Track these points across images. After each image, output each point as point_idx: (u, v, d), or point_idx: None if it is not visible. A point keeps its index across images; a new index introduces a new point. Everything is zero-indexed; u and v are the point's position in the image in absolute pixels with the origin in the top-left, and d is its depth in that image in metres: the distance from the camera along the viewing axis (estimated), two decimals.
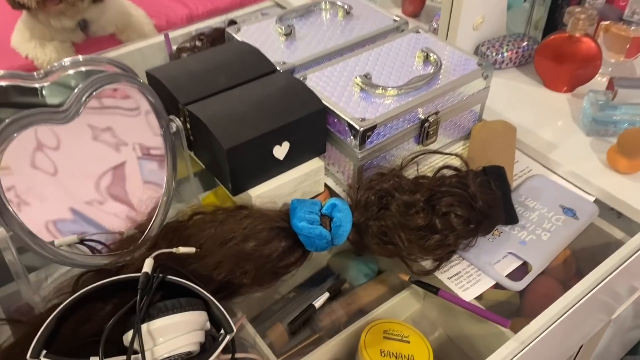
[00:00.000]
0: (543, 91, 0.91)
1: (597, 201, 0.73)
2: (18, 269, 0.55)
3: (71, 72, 0.61)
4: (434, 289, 0.63)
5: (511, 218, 0.68)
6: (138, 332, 0.49)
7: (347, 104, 0.69)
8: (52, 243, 0.57)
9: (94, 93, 0.56)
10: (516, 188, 0.74)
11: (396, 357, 0.61)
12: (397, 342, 0.63)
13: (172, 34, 1.02)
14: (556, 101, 0.89)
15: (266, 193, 0.67)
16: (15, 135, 0.52)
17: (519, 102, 0.89)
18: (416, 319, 0.70)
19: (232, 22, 1.05)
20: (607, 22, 0.89)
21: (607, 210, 0.73)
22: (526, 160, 0.80)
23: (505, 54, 0.94)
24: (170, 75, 0.71)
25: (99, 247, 0.62)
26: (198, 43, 0.96)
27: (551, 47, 0.87)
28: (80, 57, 0.61)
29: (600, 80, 0.92)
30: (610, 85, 0.79)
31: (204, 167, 0.72)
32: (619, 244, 0.69)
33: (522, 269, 0.66)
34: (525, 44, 0.95)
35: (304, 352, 0.67)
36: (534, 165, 0.79)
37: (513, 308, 0.70)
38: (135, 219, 0.65)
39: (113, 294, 0.55)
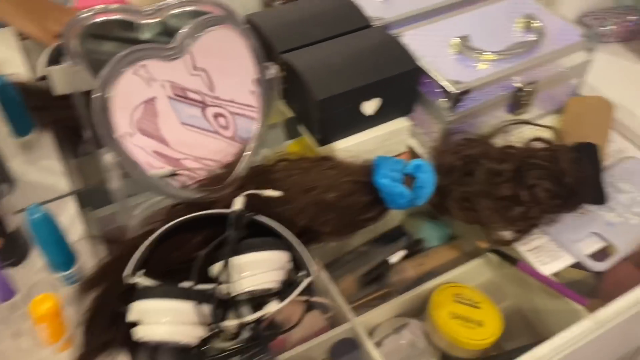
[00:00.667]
0: None
1: None
2: (119, 193, 0.59)
3: (176, 11, 0.63)
4: (512, 260, 0.63)
5: (599, 198, 0.66)
6: (226, 264, 0.52)
7: (442, 65, 0.68)
8: (150, 173, 0.61)
9: (201, 33, 0.57)
10: (608, 169, 0.72)
11: (465, 320, 0.62)
12: (467, 307, 0.64)
13: None
14: None
15: (350, 147, 0.68)
16: (127, 68, 0.54)
17: (620, 79, 0.84)
18: (487, 287, 0.70)
19: None
20: None
21: None
22: (621, 141, 0.76)
23: (611, 27, 0.89)
24: (268, 22, 0.72)
25: (189, 182, 0.65)
26: None
27: None
28: None
29: None
30: None
31: (291, 116, 0.74)
32: None
33: (604, 251, 0.64)
34: (634, 18, 0.89)
35: (370, 304, 0.69)
36: (629, 147, 0.75)
37: (587, 289, 0.69)
38: (225, 159, 0.67)
39: (202, 227, 0.59)
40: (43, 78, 0.80)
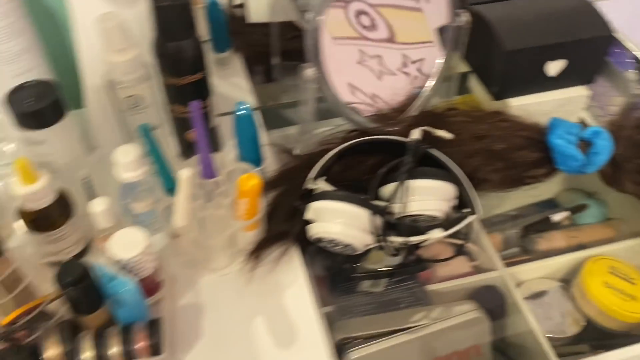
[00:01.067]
0: None
1: None
2: (308, 112, 0.64)
3: None
4: None
5: None
6: (401, 185, 0.56)
7: (638, 37, 0.66)
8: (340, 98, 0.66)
9: None
10: None
11: (619, 292, 0.61)
12: (622, 280, 0.63)
13: None
14: None
15: (525, 106, 0.69)
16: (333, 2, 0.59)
17: None
18: None
19: None
20: None
21: None
22: None
23: None
24: None
25: (368, 113, 0.70)
26: None
27: None
28: None
29: None
30: None
31: (464, 71, 0.75)
32: None
33: None
34: None
35: (511, 264, 0.70)
36: None
37: None
38: (403, 97, 0.70)
39: (375, 152, 0.63)
40: (239, 5, 0.88)
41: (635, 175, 0.62)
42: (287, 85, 0.81)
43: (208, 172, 0.56)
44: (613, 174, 0.64)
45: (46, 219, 0.52)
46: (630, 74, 0.66)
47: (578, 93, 0.70)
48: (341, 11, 0.62)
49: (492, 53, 0.67)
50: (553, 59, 0.66)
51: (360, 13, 0.63)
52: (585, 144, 0.63)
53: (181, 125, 0.63)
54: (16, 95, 0.52)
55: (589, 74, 0.70)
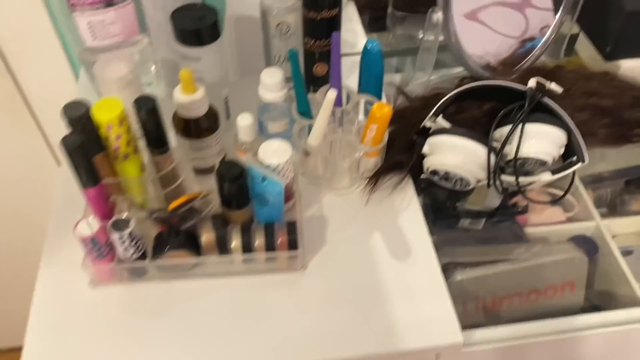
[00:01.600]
0: None
1: None
2: (430, 55, 0.69)
3: None
4: None
5: None
6: (520, 127, 0.60)
7: None
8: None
9: None
10: None
11: None
12: None
13: None
14: None
15: (637, 67, 0.71)
16: None
17: None
18: None
19: None
20: None
21: None
22: None
23: None
24: None
25: (485, 62, 0.73)
26: None
27: None
28: None
29: None
30: None
31: (574, 33, 0.77)
32: None
33: None
34: None
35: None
36: None
37: None
38: (515, 53, 0.74)
39: (488, 99, 0.66)
40: None
41: None
42: (399, 35, 0.85)
43: (339, 100, 0.61)
44: None
45: (198, 127, 0.58)
46: None
47: None
48: None
49: (611, 13, 0.68)
50: None
51: None
52: None
53: (311, 59, 0.68)
54: (180, 15, 0.59)
55: None
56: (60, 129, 0.49)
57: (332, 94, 0.54)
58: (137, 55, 0.62)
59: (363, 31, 0.82)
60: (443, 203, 0.69)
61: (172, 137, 0.57)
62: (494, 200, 0.70)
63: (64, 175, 0.59)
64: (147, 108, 0.50)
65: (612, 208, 0.77)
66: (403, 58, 0.85)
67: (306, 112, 0.62)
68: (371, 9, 0.87)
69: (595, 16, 0.72)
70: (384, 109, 0.56)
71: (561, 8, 0.72)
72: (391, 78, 0.81)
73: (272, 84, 0.58)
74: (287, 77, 0.59)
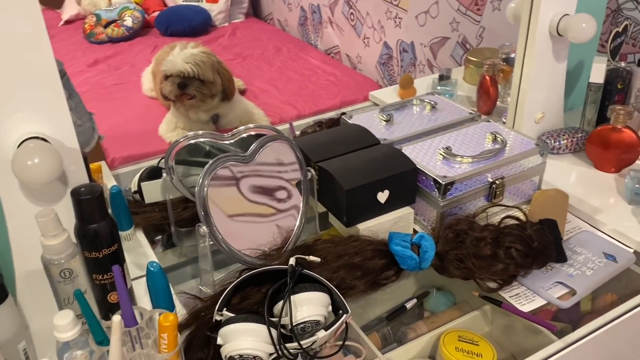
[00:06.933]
0: (594, 171, 1.12)
1: (635, 253, 0.91)
2: (207, 261, 0.81)
3: (245, 135, 0.91)
4: (497, 302, 0.83)
5: (561, 257, 0.87)
6: (289, 300, 0.73)
7: (433, 166, 0.94)
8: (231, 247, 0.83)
9: (265, 146, 0.84)
10: (567, 239, 0.94)
11: (468, 353, 0.80)
12: (468, 344, 0.82)
13: (295, 123, 1.32)
14: (605, 179, 1.09)
15: (370, 228, 0.91)
16: (217, 170, 0.80)
17: (574, 179, 1.10)
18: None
19: (344, 114, 1.34)
20: None
21: None
22: (577, 221, 0.99)
23: (563, 142, 1.16)
24: (304, 143, 0.99)
25: (255, 255, 0.88)
26: (317, 128, 1.26)
27: (599, 136, 1.09)
28: (252, 125, 0.91)
29: None
30: None
31: (322, 211, 0.98)
32: None
33: (569, 296, 0.83)
34: (579, 134, 1.17)
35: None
36: (583, 225, 0.98)
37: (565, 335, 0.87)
38: (278, 239, 0.90)
39: (264, 283, 0.80)
40: (135, 192, 1.06)
41: (456, 262, 0.85)
42: (187, 247, 0.98)
43: (131, 321, 0.69)
44: (441, 265, 0.86)
45: None
46: (434, 192, 0.91)
47: (406, 211, 0.94)
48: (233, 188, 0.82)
49: (337, 194, 0.90)
50: (381, 190, 0.91)
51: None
52: (417, 247, 0.85)
53: (102, 291, 0.76)
54: None
55: (410, 197, 0.95)
56: None
57: (116, 318, 0.62)
58: None
59: (152, 252, 0.93)
60: None
61: None
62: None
63: None
64: None
65: (397, 340, 0.92)
66: (195, 265, 0.97)
67: (104, 340, 0.68)
68: (159, 231, 1.00)
69: (329, 197, 0.93)
70: (169, 317, 0.65)
71: (302, 195, 0.91)
72: (188, 285, 0.92)
73: (64, 324, 0.64)
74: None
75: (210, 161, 0.80)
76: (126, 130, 1.95)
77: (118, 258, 0.76)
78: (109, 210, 0.88)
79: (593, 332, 0.78)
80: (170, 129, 1.89)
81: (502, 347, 0.89)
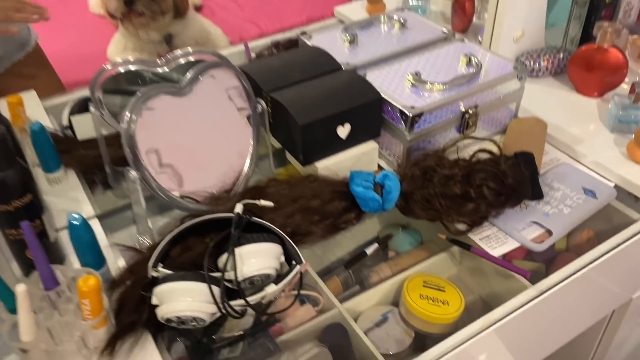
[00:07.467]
0: (575, 96, 1.02)
1: (616, 187, 0.84)
2: (141, 208, 0.71)
3: (182, 60, 0.78)
4: (467, 246, 0.76)
5: (537, 194, 0.80)
6: (232, 254, 0.64)
7: (400, 95, 0.83)
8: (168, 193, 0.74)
9: (204, 74, 0.72)
10: (544, 173, 0.86)
11: (433, 300, 0.74)
12: (434, 290, 0.75)
13: (250, 44, 1.18)
14: (586, 104, 1.00)
15: (329, 166, 0.82)
16: (148, 102, 0.68)
17: (553, 104, 1.00)
18: (453, 281, 0.82)
19: (303, 34, 1.21)
20: (635, 36, 1.00)
21: (626, 195, 0.84)
22: (555, 152, 0.91)
23: (543, 64, 1.06)
24: (255, 70, 0.87)
25: (199, 199, 0.78)
26: (274, 50, 1.13)
27: (583, 57, 0.99)
28: (190, 49, 0.78)
29: (627, 88, 1.02)
30: (633, 89, 0.90)
31: (278, 147, 0.88)
32: (635, 223, 0.79)
33: (544, 236, 0.77)
34: (561, 55, 1.06)
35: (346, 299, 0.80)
36: (561, 156, 0.90)
37: (539, 278, 0.81)
38: (226, 181, 0.80)
39: (208, 231, 0.71)
40: (67, 127, 0.94)
41: (422, 202, 0.77)
42: (126, 188, 0.87)
43: (49, 282, 0.60)
44: (406, 205, 0.78)
45: None
46: (401, 124, 0.82)
47: (369, 147, 0.84)
48: (156, 113, 0.71)
49: (292, 129, 0.79)
50: (341, 124, 0.81)
51: None
52: (380, 187, 0.76)
53: (20, 247, 0.66)
54: None
55: (374, 131, 0.85)
56: None
57: (20, 287, 0.53)
58: None
59: (86, 196, 0.83)
60: (200, 341, 0.70)
61: None
62: (247, 319, 0.73)
63: None
64: None
65: (360, 284, 0.85)
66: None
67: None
68: (93, 171, 0.89)
69: (284, 133, 0.83)
70: (89, 281, 0.57)
71: (251, 130, 0.81)
72: (129, 232, 0.82)
73: None
74: None
75: (137, 93, 0.68)
76: (73, 53, 1.78)
77: (35, 209, 0.66)
78: (28, 153, 0.77)
79: (568, 278, 0.72)
80: (119, 50, 1.73)
81: (470, 290, 0.83)
